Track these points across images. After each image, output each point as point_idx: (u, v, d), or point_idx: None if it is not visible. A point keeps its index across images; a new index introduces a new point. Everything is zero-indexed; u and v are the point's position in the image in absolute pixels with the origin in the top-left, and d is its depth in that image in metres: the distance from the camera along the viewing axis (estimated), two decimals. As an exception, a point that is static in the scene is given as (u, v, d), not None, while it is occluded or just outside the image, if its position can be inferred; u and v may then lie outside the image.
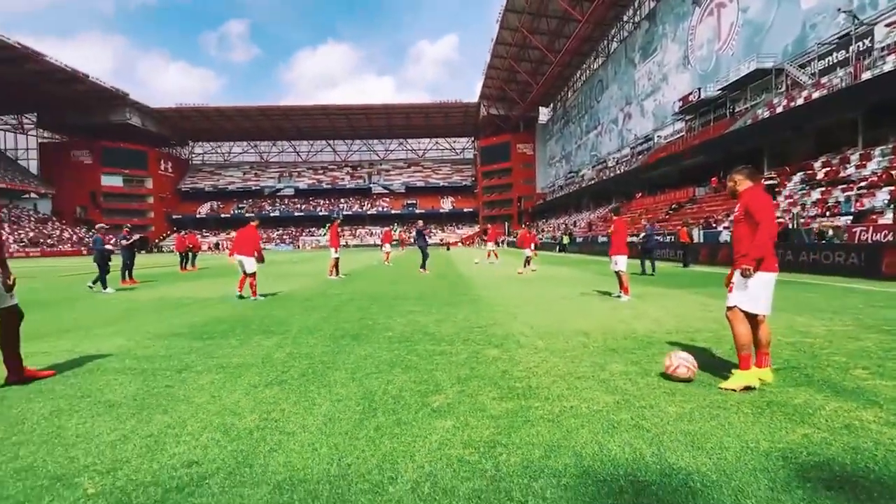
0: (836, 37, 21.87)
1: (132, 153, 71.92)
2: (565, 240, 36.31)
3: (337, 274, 12.92)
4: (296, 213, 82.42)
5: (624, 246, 7.88)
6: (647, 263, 12.77)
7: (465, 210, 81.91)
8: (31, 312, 3.79)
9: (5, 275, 3.40)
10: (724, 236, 19.76)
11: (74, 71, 54.32)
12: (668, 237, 22.89)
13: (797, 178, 21.53)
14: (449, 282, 11.66)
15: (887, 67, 17.85)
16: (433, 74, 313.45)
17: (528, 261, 14.71)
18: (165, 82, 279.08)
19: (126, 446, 2.36)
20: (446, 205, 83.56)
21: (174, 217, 78.35)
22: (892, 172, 16.42)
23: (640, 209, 35.71)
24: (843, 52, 21.40)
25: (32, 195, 64.74)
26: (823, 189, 19.07)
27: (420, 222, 17.80)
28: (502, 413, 2.75)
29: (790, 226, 17.13)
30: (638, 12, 42.63)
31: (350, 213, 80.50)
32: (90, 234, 58.75)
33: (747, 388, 3.01)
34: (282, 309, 7.24)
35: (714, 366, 3.61)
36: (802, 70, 23.67)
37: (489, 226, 39.37)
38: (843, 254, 11.40)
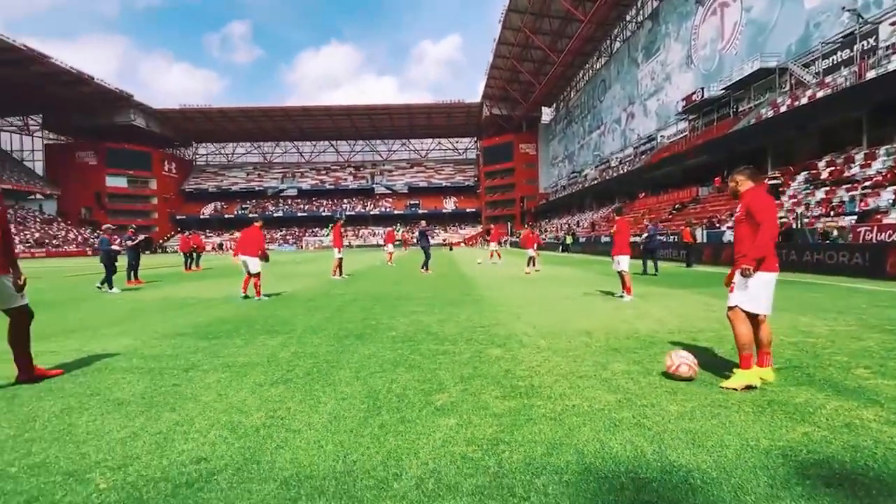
0: (840, 36, 21.78)
1: (136, 154, 72.33)
2: (568, 240, 36.29)
3: (340, 274, 12.97)
4: (299, 214, 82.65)
5: (626, 246, 7.89)
6: (650, 263, 12.78)
7: (468, 210, 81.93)
8: (39, 312, 3.84)
9: (16, 275, 3.45)
10: (728, 236, 19.71)
11: (79, 73, 54.67)
12: (672, 237, 22.84)
13: (801, 177, 21.45)
14: (452, 282, 11.69)
15: (892, 66, 17.78)
16: (436, 74, 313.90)
17: (532, 261, 14.73)
18: (169, 83, 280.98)
19: (136, 443, 2.41)
20: (449, 205, 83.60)
21: (178, 218, 78.74)
22: (897, 172, 16.35)
23: (643, 209, 35.63)
24: (848, 51, 21.32)
25: (38, 196, 65.24)
26: (828, 189, 19.00)
27: (423, 222, 17.85)
28: (505, 411, 2.78)
29: (794, 226, 17.09)
30: (641, 12, 42.55)
31: (353, 213, 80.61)
32: (95, 234, 59.18)
33: (749, 388, 3.03)
34: (286, 309, 7.29)
35: (716, 365, 3.63)
36: (806, 69, 23.58)
37: (492, 226, 39.42)
38: (848, 254, 11.36)
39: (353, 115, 77.87)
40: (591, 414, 2.71)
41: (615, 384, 3.25)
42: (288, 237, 77.82)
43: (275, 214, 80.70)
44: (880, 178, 16.96)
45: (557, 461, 2.14)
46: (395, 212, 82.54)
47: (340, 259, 13.01)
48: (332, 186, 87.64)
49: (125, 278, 12.26)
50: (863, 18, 20.48)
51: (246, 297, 8.52)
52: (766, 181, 21.23)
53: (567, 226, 48.81)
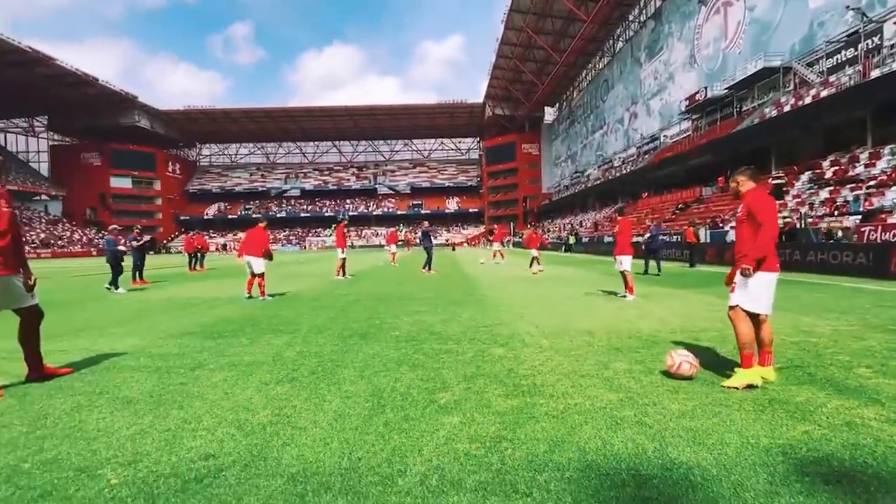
0: (844, 35, 21.68)
1: (141, 155, 72.75)
2: (571, 240, 36.25)
3: (343, 274, 13.03)
4: (302, 214, 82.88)
5: (628, 246, 7.90)
6: (652, 263, 12.77)
7: (471, 210, 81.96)
8: (47, 313, 3.90)
9: (26, 275, 3.51)
10: (731, 236, 19.64)
11: (84, 74, 55.04)
12: (675, 237, 22.80)
13: (805, 177, 21.38)
14: (455, 282, 11.72)
15: (896, 65, 17.70)
16: (438, 75, 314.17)
17: (535, 260, 14.74)
18: (173, 85, 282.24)
19: (145, 440, 2.45)
20: (452, 205, 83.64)
21: (182, 218, 79.15)
22: (902, 171, 16.28)
23: (646, 209, 35.57)
24: (852, 50, 21.22)
25: (43, 197, 65.68)
26: (832, 188, 18.92)
27: (426, 223, 17.89)
28: (508, 409, 2.81)
29: (798, 225, 17.03)
30: (644, 11, 42.46)
31: (356, 213, 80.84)
32: (100, 235, 59.52)
33: (750, 387, 3.06)
34: (290, 309, 7.35)
35: (717, 364, 3.65)
36: (810, 68, 23.50)
37: (496, 226, 39.41)
38: (852, 254, 11.32)
39: (355, 115, 78.02)
40: (592, 412, 2.74)
41: (617, 383, 3.28)
42: (291, 237, 78.04)
43: (278, 215, 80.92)
44: (885, 177, 16.88)
45: (559, 458, 2.17)
46: (398, 212, 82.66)
47: (344, 259, 13.06)
48: (335, 187, 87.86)
49: (130, 278, 12.36)
50: (867, 17, 20.39)
51: (250, 297, 8.58)
52: (767, 181, 21.17)
53: (570, 226, 48.75)
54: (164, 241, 70.00)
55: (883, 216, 14.92)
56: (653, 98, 41.06)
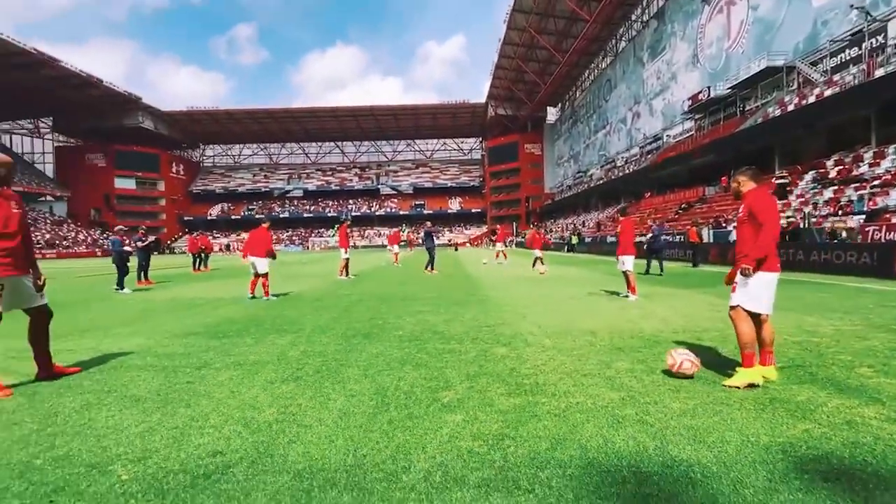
0: (848, 34, 21.60)
1: (145, 156, 73.12)
2: (574, 240, 36.24)
3: (346, 274, 13.08)
4: (305, 215, 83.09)
5: (631, 246, 7.92)
6: (654, 263, 12.77)
7: (473, 210, 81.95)
8: (55, 312, 3.96)
9: (35, 275, 3.56)
10: (734, 236, 19.59)
11: (89, 76, 55.36)
12: (678, 237, 22.77)
13: (809, 176, 21.30)
14: (457, 282, 11.75)
15: (901, 64, 17.62)
16: (441, 75, 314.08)
17: (538, 260, 14.74)
18: (176, 86, 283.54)
19: (154, 437, 2.50)
20: (454, 205, 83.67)
21: (186, 219, 79.49)
22: (907, 171, 16.20)
23: (649, 209, 35.51)
24: (856, 49, 21.13)
25: (48, 198, 66.13)
26: (836, 188, 18.85)
27: (429, 223, 17.92)
28: (510, 408, 2.84)
29: (802, 225, 16.98)
30: (646, 11, 42.41)
31: (358, 214, 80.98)
32: (105, 235, 59.87)
33: (751, 386, 3.08)
34: (293, 309, 7.39)
35: (719, 364, 3.67)
36: (814, 67, 23.41)
37: (498, 226, 39.41)
38: (856, 253, 11.29)
39: (358, 116, 78.17)
40: (594, 411, 2.76)
41: (619, 382, 3.30)
42: (294, 238, 78.25)
43: (281, 215, 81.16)
44: (889, 176, 16.80)
45: (561, 456, 2.20)
46: (401, 212, 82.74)
47: (347, 259, 13.11)
48: (338, 187, 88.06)
49: (135, 279, 12.44)
50: (871, 16, 20.31)
51: (253, 297, 8.64)
52: (771, 181, 21.11)
53: (572, 226, 48.72)
54: (168, 242, 70.33)
55: (887, 216, 14.85)
56: (656, 98, 40.99)
